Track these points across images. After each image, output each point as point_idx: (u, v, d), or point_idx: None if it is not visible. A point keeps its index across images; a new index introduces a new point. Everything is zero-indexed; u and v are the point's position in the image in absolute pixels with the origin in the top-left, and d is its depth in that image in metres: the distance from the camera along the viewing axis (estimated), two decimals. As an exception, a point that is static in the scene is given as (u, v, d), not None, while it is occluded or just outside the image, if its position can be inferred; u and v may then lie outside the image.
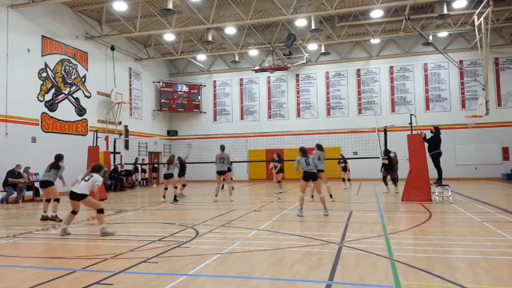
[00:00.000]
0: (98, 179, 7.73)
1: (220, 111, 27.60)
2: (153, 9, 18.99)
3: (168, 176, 14.13)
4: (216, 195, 13.54)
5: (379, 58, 24.87)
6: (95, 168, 8.00)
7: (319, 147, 12.56)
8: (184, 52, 24.84)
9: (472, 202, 11.76)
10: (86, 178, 7.68)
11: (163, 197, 13.95)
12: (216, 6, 18.15)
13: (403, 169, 16.17)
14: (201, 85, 27.69)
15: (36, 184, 15.33)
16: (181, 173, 15.77)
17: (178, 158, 15.51)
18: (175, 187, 13.99)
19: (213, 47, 24.32)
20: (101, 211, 7.64)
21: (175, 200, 13.63)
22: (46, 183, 9.65)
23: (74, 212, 7.78)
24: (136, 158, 22.36)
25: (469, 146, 22.93)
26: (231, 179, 16.12)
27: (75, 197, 7.54)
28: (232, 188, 15.28)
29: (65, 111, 18.24)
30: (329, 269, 4.87)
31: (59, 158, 10.36)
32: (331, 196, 12.52)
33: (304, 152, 9.59)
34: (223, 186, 16.16)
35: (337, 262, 5.16)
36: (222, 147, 14.16)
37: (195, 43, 23.95)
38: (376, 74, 24.99)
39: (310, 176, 9.34)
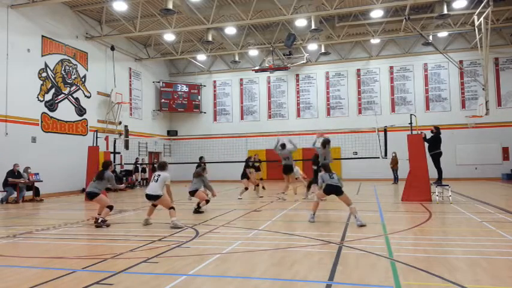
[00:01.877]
0: (166, 176, 8.27)
1: (220, 111, 27.60)
2: (153, 9, 18.99)
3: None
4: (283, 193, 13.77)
5: (379, 58, 24.88)
6: (104, 166, 8.85)
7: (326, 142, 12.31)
8: (184, 52, 24.84)
9: (472, 202, 11.76)
10: (155, 178, 8.27)
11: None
12: (216, 6, 18.15)
13: (403, 169, 16.19)
14: (201, 85, 27.69)
15: (36, 184, 15.36)
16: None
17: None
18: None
19: (213, 47, 24.32)
20: (172, 208, 8.24)
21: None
22: (90, 195, 8.71)
23: (154, 205, 8.59)
24: (137, 158, 22.37)
25: (469, 146, 22.93)
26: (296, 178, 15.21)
27: (150, 198, 8.32)
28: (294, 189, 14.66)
29: (65, 111, 18.25)
30: (329, 269, 4.87)
31: (105, 166, 9.06)
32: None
33: (326, 167, 8.82)
34: (258, 184, 14.88)
35: (337, 262, 5.16)
36: (283, 146, 13.40)
37: (195, 43, 23.95)
38: (376, 74, 24.99)
39: (333, 189, 8.34)
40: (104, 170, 8.88)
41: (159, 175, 8.27)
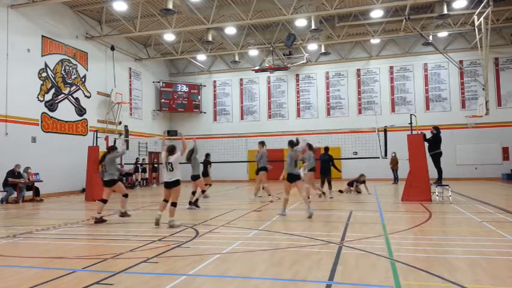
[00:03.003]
0: (178, 157, 8.28)
1: (220, 111, 27.60)
2: (153, 9, 19.00)
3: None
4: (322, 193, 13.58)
5: (379, 58, 24.88)
6: (108, 149, 9.44)
7: (310, 146, 12.46)
8: (184, 52, 24.84)
9: (472, 202, 11.76)
10: (169, 168, 8.18)
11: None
12: (216, 6, 18.15)
13: (403, 169, 16.18)
14: (201, 85, 27.69)
15: (37, 184, 15.36)
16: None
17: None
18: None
19: (213, 47, 24.32)
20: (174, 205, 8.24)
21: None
22: (109, 183, 9.15)
23: (166, 201, 8.40)
24: (137, 158, 22.37)
25: (469, 146, 22.94)
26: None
27: (168, 186, 8.27)
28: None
29: (65, 111, 18.25)
30: (329, 269, 4.87)
31: (108, 149, 9.63)
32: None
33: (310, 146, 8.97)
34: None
35: (337, 262, 5.16)
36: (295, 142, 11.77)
37: (195, 43, 23.96)
38: (376, 74, 24.99)
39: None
40: (105, 154, 9.39)
41: (170, 163, 8.18)
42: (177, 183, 8.22)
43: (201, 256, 5.63)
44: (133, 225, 8.73)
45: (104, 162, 9.25)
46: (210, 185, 14.97)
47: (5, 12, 15.41)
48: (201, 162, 13.82)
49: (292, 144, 9.47)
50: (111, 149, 9.63)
